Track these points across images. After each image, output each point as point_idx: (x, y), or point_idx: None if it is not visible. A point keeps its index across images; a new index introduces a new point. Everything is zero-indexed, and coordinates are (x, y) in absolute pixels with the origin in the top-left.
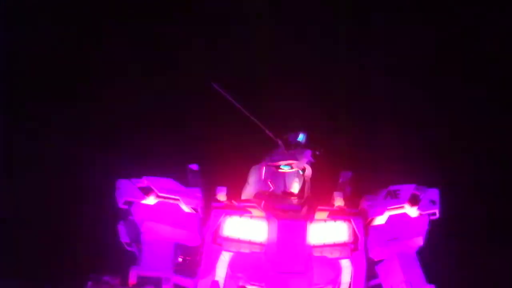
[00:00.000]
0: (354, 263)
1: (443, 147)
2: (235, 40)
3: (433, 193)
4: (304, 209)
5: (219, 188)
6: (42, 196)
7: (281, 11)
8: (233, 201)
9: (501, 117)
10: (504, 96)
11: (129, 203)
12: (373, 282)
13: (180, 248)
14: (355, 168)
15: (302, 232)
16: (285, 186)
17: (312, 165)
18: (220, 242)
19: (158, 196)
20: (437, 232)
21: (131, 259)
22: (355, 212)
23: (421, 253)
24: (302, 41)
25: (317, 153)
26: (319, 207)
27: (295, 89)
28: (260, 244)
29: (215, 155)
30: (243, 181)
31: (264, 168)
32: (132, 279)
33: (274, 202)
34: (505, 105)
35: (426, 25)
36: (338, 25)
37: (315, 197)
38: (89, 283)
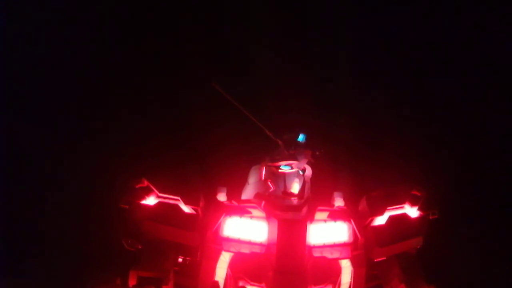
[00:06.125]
0: (354, 263)
1: (443, 147)
2: (235, 40)
3: (433, 193)
4: (304, 210)
5: (219, 188)
6: (41, 197)
7: (282, 11)
8: (233, 201)
9: (502, 117)
10: (503, 97)
11: (129, 203)
12: (373, 282)
13: (180, 248)
14: (355, 168)
15: (302, 233)
16: (285, 186)
17: (312, 165)
18: (220, 243)
19: (158, 196)
20: (437, 232)
21: (131, 259)
22: (355, 212)
23: (421, 253)
24: (302, 42)
25: (317, 153)
26: (319, 207)
27: (295, 89)
28: (260, 245)
29: (215, 155)
30: (243, 181)
31: (264, 168)
32: (132, 279)
33: (274, 203)
34: (505, 105)
35: (425, 30)
36: (340, 29)
37: (315, 197)
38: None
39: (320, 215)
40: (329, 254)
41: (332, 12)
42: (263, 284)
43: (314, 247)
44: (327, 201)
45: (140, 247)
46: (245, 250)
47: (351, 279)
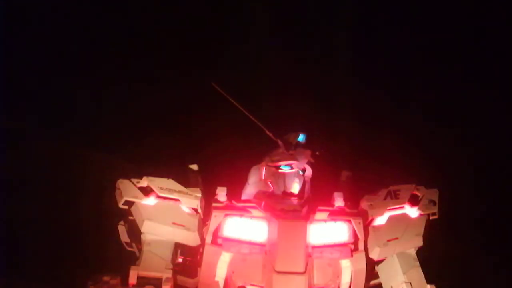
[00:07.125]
0: (354, 263)
1: (443, 147)
2: (235, 40)
3: (433, 193)
4: (304, 210)
5: (219, 188)
6: (41, 196)
7: (282, 12)
8: (233, 202)
9: (502, 117)
10: (504, 97)
11: (129, 203)
12: (373, 282)
13: (180, 248)
14: (355, 168)
15: (302, 233)
16: (285, 186)
17: (312, 165)
18: (220, 243)
19: (158, 197)
20: (437, 232)
21: (131, 259)
22: (355, 212)
23: (421, 253)
24: (302, 42)
25: (317, 153)
26: (319, 208)
27: (295, 90)
28: (260, 245)
29: (215, 155)
30: (243, 181)
31: (264, 168)
32: (132, 279)
33: (274, 203)
34: (506, 105)
35: (427, 32)
36: (339, 27)
37: (315, 197)
38: (89, 283)
39: (320, 215)
40: (329, 254)
41: (331, 11)
42: (263, 284)
43: (314, 247)
44: (327, 201)
45: (140, 247)
46: (245, 250)
47: (351, 279)
